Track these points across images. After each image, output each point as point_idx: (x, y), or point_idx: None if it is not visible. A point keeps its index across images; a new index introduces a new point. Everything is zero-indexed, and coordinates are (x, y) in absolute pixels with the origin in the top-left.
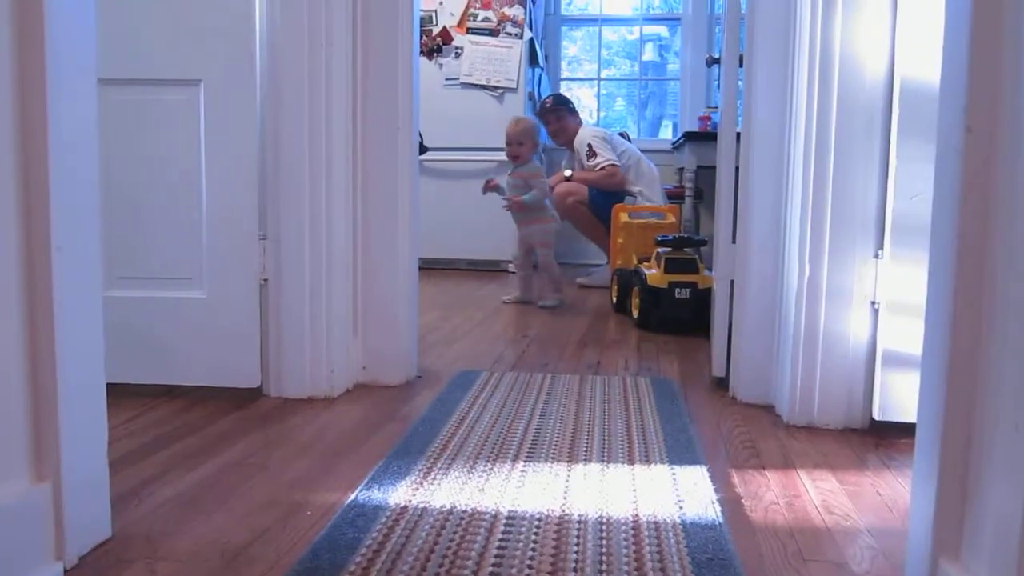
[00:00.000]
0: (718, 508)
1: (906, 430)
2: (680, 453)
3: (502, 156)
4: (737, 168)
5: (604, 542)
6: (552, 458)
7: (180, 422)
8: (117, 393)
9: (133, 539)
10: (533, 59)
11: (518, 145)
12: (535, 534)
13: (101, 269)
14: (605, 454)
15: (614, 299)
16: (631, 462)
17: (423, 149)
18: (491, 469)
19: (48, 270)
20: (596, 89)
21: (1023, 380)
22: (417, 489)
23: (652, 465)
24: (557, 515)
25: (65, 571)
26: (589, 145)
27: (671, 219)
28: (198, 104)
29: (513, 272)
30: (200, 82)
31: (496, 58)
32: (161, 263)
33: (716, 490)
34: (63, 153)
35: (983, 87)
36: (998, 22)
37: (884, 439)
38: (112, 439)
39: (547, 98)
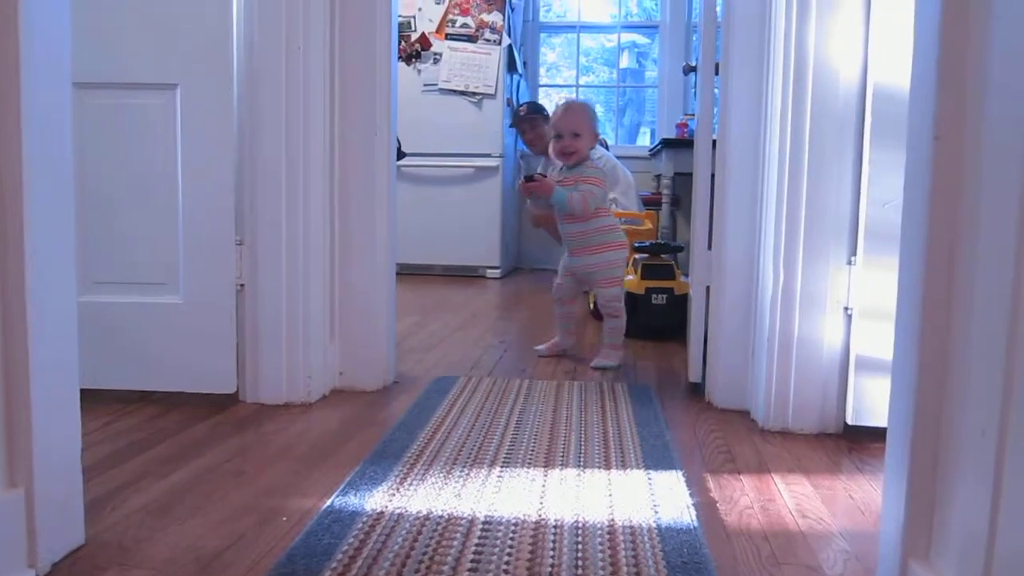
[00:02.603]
0: (693, 512)
1: (879, 434)
2: (656, 458)
3: (480, 162)
4: (713, 175)
5: (580, 547)
6: (529, 463)
7: (155, 428)
8: (91, 398)
9: (107, 546)
10: (512, 65)
11: (573, 137)
12: (511, 539)
13: (76, 274)
14: (581, 459)
15: (591, 305)
16: (607, 467)
17: (401, 155)
18: (468, 475)
19: (22, 274)
20: (575, 96)
21: (990, 386)
22: (394, 495)
23: (628, 470)
24: (533, 520)
25: None
26: None
27: (648, 225)
28: (174, 108)
29: (491, 277)
30: (176, 86)
31: (474, 64)
32: (137, 268)
33: (691, 494)
34: (37, 157)
35: (951, 97)
36: (965, 33)
37: (857, 443)
38: (86, 445)
39: (521, 106)
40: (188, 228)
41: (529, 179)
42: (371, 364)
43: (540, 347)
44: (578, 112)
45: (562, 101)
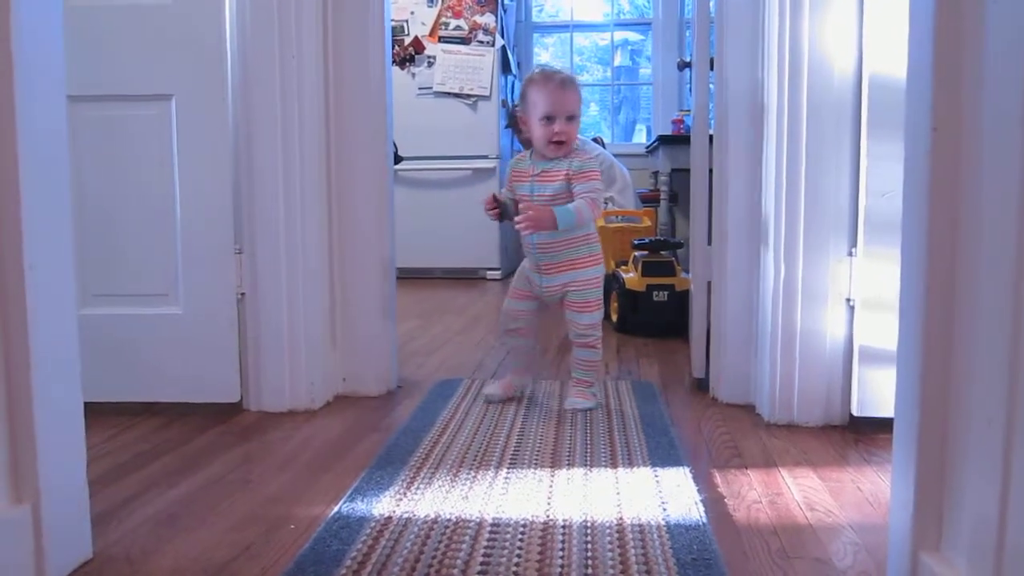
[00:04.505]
0: (701, 508)
1: (885, 425)
2: (662, 455)
3: (477, 164)
4: (711, 170)
5: (589, 546)
6: (535, 464)
7: (159, 439)
8: (95, 412)
9: (114, 559)
10: (506, 67)
11: (568, 122)
12: (520, 540)
13: (75, 287)
14: (588, 458)
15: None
16: (614, 466)
17: (397, 159)
18: (474, 477)
19: (22, 289)
20: None
21: (995, 374)
22: (401, 499)
23: (635, 468)
24: (542, 521)
25: None
26: None
27: (647, 223)
28: (170, 119)
29: (492, 279)
30: (171, 97)
31: (469, 66)
32: (136, 279)
33: (699, 491)
34: (34, 171)
35: (948, 87)
36: (961, 21)
37: (863, 435)
38: (91, 458)
39: (516, 106)
40: (187, 238)
41: (513, 212)
42: (374, 369)
43: (491, 389)
44: (574, 89)
45: (538, 70)
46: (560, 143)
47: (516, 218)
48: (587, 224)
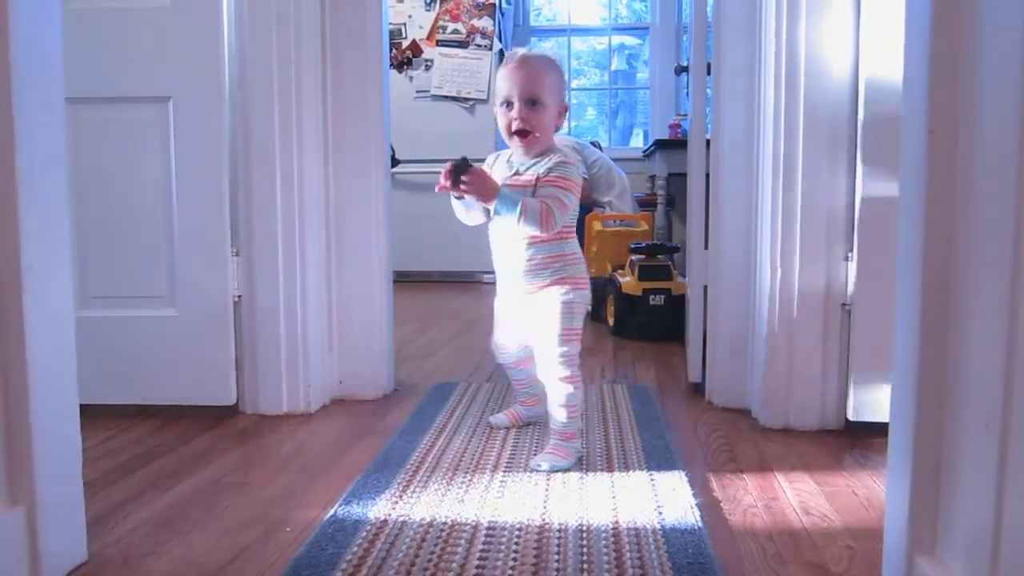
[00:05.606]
0: (697, 512)
1: (880, 430)
2: (658, 459)
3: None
4: (708, 175)
5: (585, 550)
6: (531, 467)
7: (155, 442)
8: (90, 414)
9: (110, 562)
10: None
11: (529, 107)
12: (516, 544)
13: (73, 288)
14: (584, 462)
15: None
16: (610, 470)
17: (395, 162)
18: (470, 480)
19: (19, 290)
20: (567, 98)
21: (991, 379)
22: (396, 502)
23: (631, 472)
24: (537, 524)
25: None
26: None
27: (644, 227)
28: (167, 121)
29: (488, 283)
30: (169, 99)
31: (466, 70)
32: (133, 282)
33: (695, 495)
34: (31, 172)
35: (944, 90)
36: (957, 25)
37: (859, 439)
38: (87, 460)
39: None
40: (184, 241)
41: (461, 167)
42: (370, 372)
43: (497, 417)
44: (537, 67)
45: (515, 55)
46: (522, 133)
47: (463, 176)
48: (532, 226)
